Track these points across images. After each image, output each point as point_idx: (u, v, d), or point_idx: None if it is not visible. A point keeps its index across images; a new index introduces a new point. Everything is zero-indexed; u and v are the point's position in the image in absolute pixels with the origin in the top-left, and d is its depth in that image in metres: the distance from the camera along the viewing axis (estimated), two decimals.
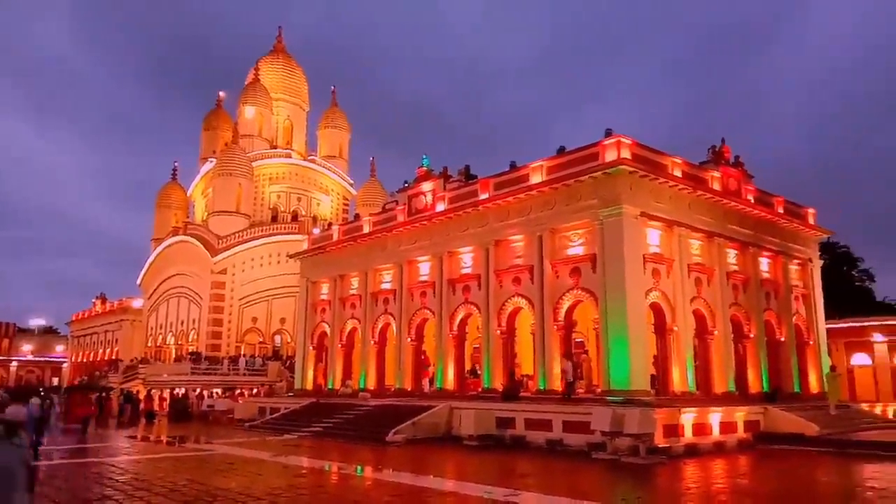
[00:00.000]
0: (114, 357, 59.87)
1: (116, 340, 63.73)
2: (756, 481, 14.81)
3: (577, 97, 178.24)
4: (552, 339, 23.40)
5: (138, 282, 60.41)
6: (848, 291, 51.05)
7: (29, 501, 5.96)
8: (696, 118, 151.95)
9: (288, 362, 44.67)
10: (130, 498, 11.48)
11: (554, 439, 19.67)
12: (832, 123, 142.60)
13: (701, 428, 19.33)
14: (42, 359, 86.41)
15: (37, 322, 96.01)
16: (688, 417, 19.00)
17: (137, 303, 61.99)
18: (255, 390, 41.94)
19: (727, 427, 20.20)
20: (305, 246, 38.00)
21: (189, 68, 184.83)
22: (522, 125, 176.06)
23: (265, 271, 50.38)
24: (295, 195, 57.87)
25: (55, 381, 75.71)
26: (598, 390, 22.24)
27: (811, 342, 29.06)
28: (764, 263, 27.68)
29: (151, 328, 57.39)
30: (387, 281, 31.68)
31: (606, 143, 22.24)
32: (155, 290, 57.26)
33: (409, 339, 29.55)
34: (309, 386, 35.23)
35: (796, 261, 29.34)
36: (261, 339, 50.31)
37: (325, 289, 35.72)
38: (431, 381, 28.70)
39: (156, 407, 39.64)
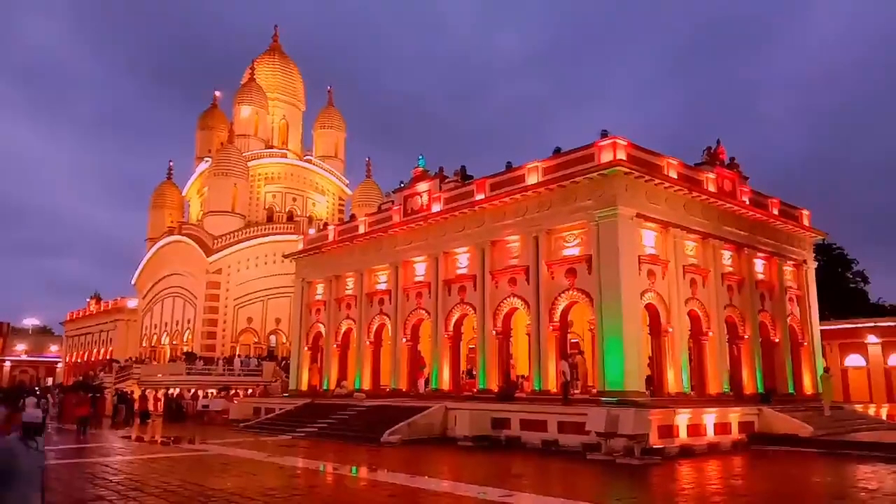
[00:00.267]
0: (108, 357, 59.69)
1: (111, 340, 63.52)
2: (750, 482, 14.84)
3: (575, 94, 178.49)
4: (548, 339, 23.42)
5: (133, 281, 60.22)
6: (842, 293, 51.28)
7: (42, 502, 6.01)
8: (692, 115, 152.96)
9: (283, 363, 44.57)
10: (124, 498, 11.44)
11: (549, 440, 19.68)
12: (828, 122, 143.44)
13: (695, 429, 19.37)
14: (36, 358, 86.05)
15: (31, 321, 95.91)
16: (682, 418, 19.05)
17: (132, 303, 61.79)
18: (249, 391, 41.84)
19: (722, 428, 20.25)
20: (301, 246, 37.96)
21: (184, 67, 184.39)
22: (519, 122, 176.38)
23: (260, 271, 50.27)
24: (291, 195, 57.75)
25: (49, 380, 75.37)
26: (594, 391, 22.28)
27: (805, 343, 29.15)
28: (759, 265, 27.76)
29: (146, 328, 57.22)
30: (382, 281, 31.67)
31: (602, 144, 22.28)
32: (150, 289, 57.10)
33: (404, 340, 29.54)
34: (304, 386, 35.17)
35: (791, 262, 29.43)
36: (256, 340, 50.19)
37: (320, 289, 35.68)
38: (427, 382, 28.70)
39: (150, 407, 39.50)
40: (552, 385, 22.95)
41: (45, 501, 6.19)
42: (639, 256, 22.15)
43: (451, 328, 27.49)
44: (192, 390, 40.55)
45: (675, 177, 23.61)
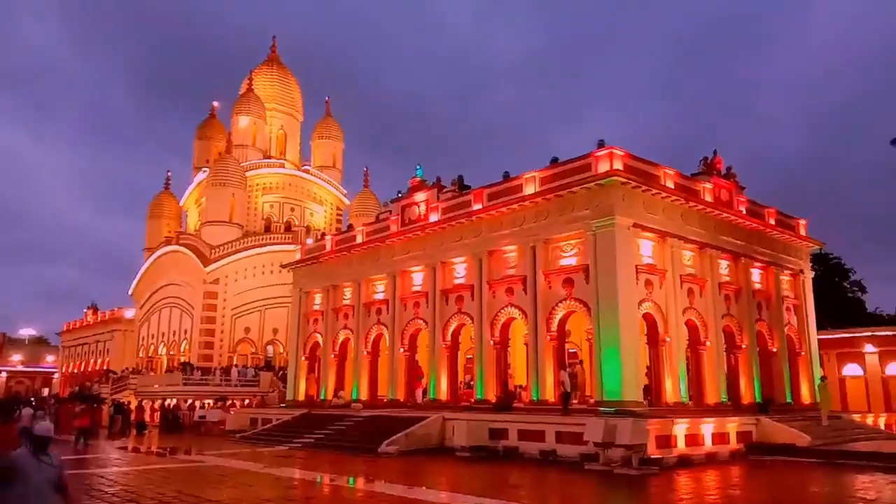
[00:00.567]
0: (105, 367, 59.47)
1: (107, 351, 63.27)
2: (748, 492, 14.82)
3: (575, 94, 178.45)
4: (545, 349, 23.40)
5: (130, 292, 60.09)
6: (840, 302, 51.29)
7: None
8: (692, 115, 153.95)
9: (280, 373, 44.45)
10: None
11: (547, 450, 19.62)
12: (828, 122, 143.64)
13: (693, 439, 19.33)
14: (32, 369, 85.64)
15: (27, 331, 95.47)
16: (680, 428, 19.01)
17: (129, 313, 61.63)
18: (246, 401, 41.67)
19: (719, 438, 20.21)
20: (298, 256, 37.96)
21: (182, 72, 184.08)
22: (519, 123, 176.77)
23: (258, 281, 50.22)
24: (288, 205, 57.78)
25: (45, 391, 74.98)
26: (591, 401, 22.25)
27: (803, 353, 29.17)
28: (756, 274, 27.81)
29: (143, 338, 57.05)
30: (380, 291, 31.65)
31: (599, 154, 22.37)
32: (147, 299, 56.99)
33: (401, 350, 29.48)
34: (301, 397, 35.07)
35: (788, 271, 29.49)
36: (253, 350, 50.05)
37: (317, 299, 35.64)
38: (424, 392, 28.62)
39: (147, 418, 39.35)
40: (550, 395, 22.91)
41: None
42: (636, 266, 22.18)
43: (448, 338, 27.46)
44: (189, 401, 40.37)
45: (673, 187, 23.69)
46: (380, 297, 31.48)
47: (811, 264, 31.93)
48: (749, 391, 25.70)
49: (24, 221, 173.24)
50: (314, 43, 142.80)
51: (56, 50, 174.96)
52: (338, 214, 61.30)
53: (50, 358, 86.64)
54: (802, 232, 30.33)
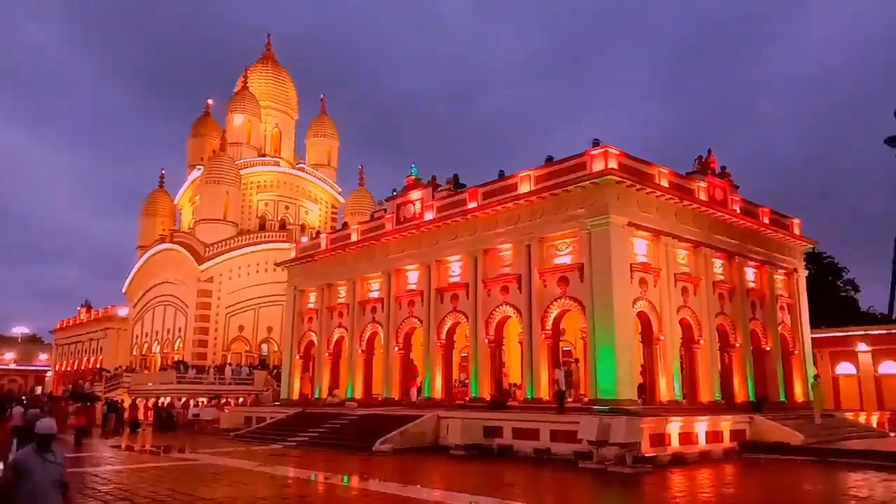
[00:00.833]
0: (98, 366, 59.29)
1: (101, 349, 63.08)
2: (742, 490, 14.87)
3: (574, 95, 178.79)
4: (540, 348, 23.42)
5: (124, 290, 59.92)
6: (833, 301, 51.47)
7: None
8: (692, 115, 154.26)
9: (274, 371, 44.38)
10: None
11: (541, 448, 19.65)
12: (828, 123, 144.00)
13: (687, 437, 19.39)
14: (25, 367, 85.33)
15: (20, 329, 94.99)
16: (674, 427, 19.06)
17: (123, 311, 61.46)
18: (241, 399, 41.59)
19: (713, 436, 20.27)
20: (293, 254, 37.89)
21: (178, 70, 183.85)
22: (518, 123, 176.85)
23: (252, 279, 50.12)
24: (283, 203, 57.68)
25: (38, 389, 74.66)
26: (586, 399, 22.27)
27: (796, 351, 29.28)
28: (750, 273, 27.89)
29: (137, 336, 56.90)
30: (374, 290, 31.62)
31: (594, 153, 22.39)
32: (140, 298, 56.81)
33: (396, 348, 29.47)
34: (295, 395, 35.01)
35: (782, 270, 29.58)
36: (247, 348, 49.96)
37: (312, 297, 35.59)
38: (419, 391, 28.62)
39: (140, 416, 39.21)
40: (544, 393, 22.93)
41: None
42: (630, 265, 22.22)
43: (443, 336, 27.46)
44: (183, 399, 40.27)
45: (667, 186, 23.72)
46: (374, 295, 31.44)
47: (805, 263, 32.05)
48: (743, 390, 25.79)
49: (15, 219, 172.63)
50: (314, 43, 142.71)
51: (55, 50, 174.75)
52: (333, 213, 61.24)
53: (43, 356, 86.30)
54: (796, 231, 30.43)
